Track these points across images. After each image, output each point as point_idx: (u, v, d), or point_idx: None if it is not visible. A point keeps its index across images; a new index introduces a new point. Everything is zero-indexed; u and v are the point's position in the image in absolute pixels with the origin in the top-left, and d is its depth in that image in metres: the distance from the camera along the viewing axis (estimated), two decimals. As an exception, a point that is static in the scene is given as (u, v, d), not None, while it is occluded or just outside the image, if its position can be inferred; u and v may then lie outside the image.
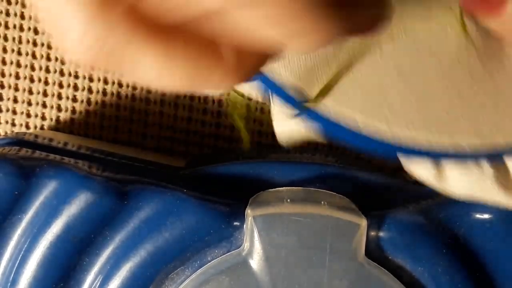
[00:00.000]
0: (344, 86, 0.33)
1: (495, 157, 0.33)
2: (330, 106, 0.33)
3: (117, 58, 0.22)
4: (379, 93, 0.33)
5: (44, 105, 0.46)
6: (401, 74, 0.33)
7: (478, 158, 0.33)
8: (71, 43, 0.22)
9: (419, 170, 0.35)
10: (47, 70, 0.46)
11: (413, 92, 0.33)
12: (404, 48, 0.33)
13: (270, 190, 0.37)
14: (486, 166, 0.34)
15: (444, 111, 0.33)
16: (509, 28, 0.30)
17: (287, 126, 0.35)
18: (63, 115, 0.46)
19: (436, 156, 0.33)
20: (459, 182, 0.35)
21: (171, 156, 0.41)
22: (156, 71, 0.23)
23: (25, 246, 0.35)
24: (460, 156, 0.33)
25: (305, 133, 0.35)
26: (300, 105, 0.33)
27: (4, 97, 0.46)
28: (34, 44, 0.45)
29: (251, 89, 0.36)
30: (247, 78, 0.24)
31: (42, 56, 0.45)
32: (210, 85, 0.23)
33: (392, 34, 0.33)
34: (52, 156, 0.37)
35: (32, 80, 0.46)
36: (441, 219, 0.36)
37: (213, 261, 0.35)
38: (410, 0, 0.33)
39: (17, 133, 0.44)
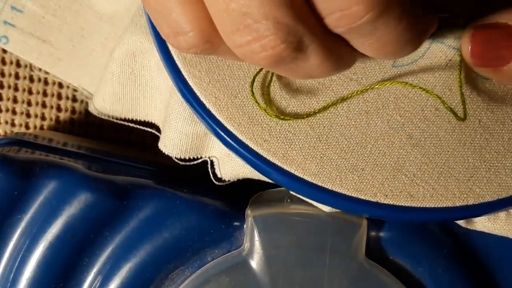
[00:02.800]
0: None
1: None
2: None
3: (292, 58, 0.28)
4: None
5: (43, 105, 0.46)
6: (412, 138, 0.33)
7: (506, 208, 0.33)
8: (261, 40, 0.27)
9: None
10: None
11: (425, 155, 0.32)
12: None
13: (270, 190, 0.37)
14: None
15: (462, 166, 0.33)
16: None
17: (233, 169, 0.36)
18: (63, 115, 0.46)
19: (465, 216, 0.33)
20: (489, 227, 0.35)
21: (171, 156, 0.41)
22: (316, 66, 0.28)
23: (25, 246, 0.35)
24: (488, 211, 0.33)
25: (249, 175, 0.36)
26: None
27: (4, 97, 0.46)
28: (34, 44, 0.45)
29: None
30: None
31: (41, 56, 0.45)
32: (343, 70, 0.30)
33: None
34: (51, 156, 0.37)
35: (31, 80, 0.45)
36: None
37: (213, 261, 0.35)
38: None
39: (16, 133, 0.44)
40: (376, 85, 0.32)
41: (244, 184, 0.37)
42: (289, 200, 0.35)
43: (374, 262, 0.35)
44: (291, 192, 0.35)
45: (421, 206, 0.32)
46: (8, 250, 0.35)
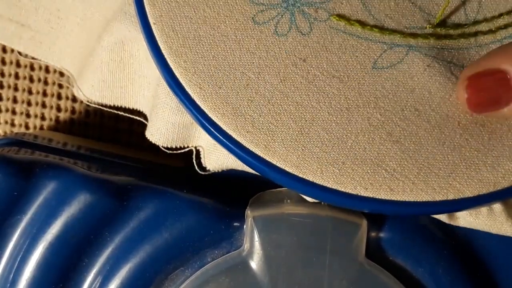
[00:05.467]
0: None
1: (504, 198, 0.33)
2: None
3: None
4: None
5: (43, 105, 0.46)
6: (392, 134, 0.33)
7: (487, 204, 0.33)
8: None
9: None
10: (47, 70, 0.46)
11: (405, 152, 0.33)
12: None
13: (270, 190, 0.37)
14: (497, 207, 0.34)
15: (441, 162, 0.33)
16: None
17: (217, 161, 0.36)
18: (63, 115, 0.46)
19: (444, 211, 0.33)
20: (472, 224, 0.35)
21: (171, 156, 0.41)
22: None
23: (25, 246, 0.35)
24: (468, 206, 0.33)
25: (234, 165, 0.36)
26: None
27: (4, 97, 0.46)
28: (34, 44, 0.45)
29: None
30: None
31: (41, 56, 0.45)
32: None
33: None
34: (51, 156, 0.37)
35: (31, 80, 0.45)
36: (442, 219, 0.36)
37: (213, 262, 0.35)
38: None
39: (16, 133, 0.44)
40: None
41: (244, 184, 0.37)
42: (289, 201, 0.35)
43: (374, 262, 0.35)
44: (291, 193, 0.35)
45: (401, 200, 0.33)
46: (8, 250, 0.35)
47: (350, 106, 0.33)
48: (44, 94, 0.46)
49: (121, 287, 0.35)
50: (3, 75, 0.46)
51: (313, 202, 0.35)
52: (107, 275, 0.35)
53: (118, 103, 0.40)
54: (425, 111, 0.34)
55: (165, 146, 0.36)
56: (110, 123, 0.45)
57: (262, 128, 0.33)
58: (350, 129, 0.33)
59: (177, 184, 0.37)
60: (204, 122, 0.33)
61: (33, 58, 0.44)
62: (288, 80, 0.34)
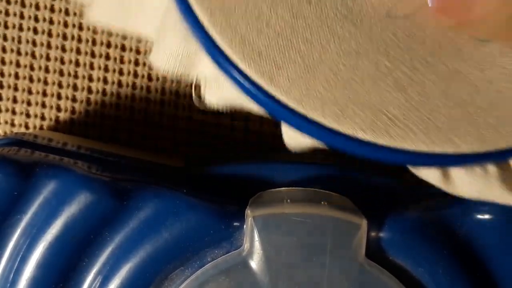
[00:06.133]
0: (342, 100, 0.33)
1: (499, 160, 0.33)
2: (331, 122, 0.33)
3: None
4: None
5: (43, 105, 0.46)
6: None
7: (483, 163, 0.33)
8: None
9: (425, 173, 0.35)
10: (47, 70, 0.46)
11: (409, 101, 0.33)
12: None
13: (270, 190, 0.37)
14: (492, 169, 0.34)
15: (444, 116, 0.33)
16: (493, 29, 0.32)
17: (296, 137, 0.36)
18: (63, 115, 0.46)
19: (441, 163, 0.33)
20: (467, 186, 0.34)
21: (171, 156, 0.41)
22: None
23: (25, 246, 0.35)
24: (464, 162, 0.33)
25: (314, 143, 0.35)
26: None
27: (4, 97, 0.46)
28: (34, 44, 0.45)
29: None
30: None
31: (41, 56, 0.45)
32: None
33: None
34: (51, 156, 0.37)
35: (31, 80, 0.45)
36: (442, 219, 0.36)
37: (213, 262, 0.35)
38: None
39: (16, 133, 0.44)
40: None
41: (244, 184, 0.37)
42: (289, 200, 0.35)
43: (374, 262, 0.35)
44: (291, 193, 0.35)
45: (399, 147, 0.32)
46: (8, 250, 0.35)
47: (359, 50, 0.33)
48: (44, 94, 0.46)
49: (121, 286, 0.35)
50: (3, 75, 0.46)
51: (314, 202, 0.35)
52: (107, 275, 0.35)
53: (123, 25, 0.38)
54: (434, 63, 0.33)
55: (167, 71, 0.35)
56: (110, 123, 0.45)
57: (269, 60, 0.32)
58: (357, 72, 0.33)
59: (177, 184, 0.37)
60: (211, 48, 0.32)
61: None
62: (300, 17, 0.33)
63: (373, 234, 0.35)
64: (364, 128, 0.32)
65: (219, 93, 0.36)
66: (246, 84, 0.33)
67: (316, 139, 0.34)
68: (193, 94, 0.36)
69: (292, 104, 0.32)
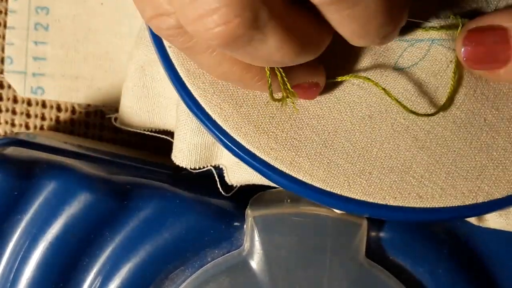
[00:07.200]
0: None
1: None
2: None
3: (248, 36, 0.26)
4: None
5: (43, 105, 0.46)
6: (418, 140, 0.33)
7: None
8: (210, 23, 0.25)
9: None
10: (47, 70, 0.46)
11: (432, 156, 0.33)
12: None
13: (270, 190, 0.37)
14: None
15: (469, 163, 0.33)
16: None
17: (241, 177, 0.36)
18: (63, 115, 0.46)
19: (475, 214, 0.33)
20: (501, 223, 0.35)
21: (171, 156, 0.41)
22: (276, 48, 0.27)
23: (25, 246, 0.35)
24: (499, 207, 0.33)
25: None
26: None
27: (4, 97, 0.46)
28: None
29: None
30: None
31: (41, 56, 0.45)
32: (309, 57, 0.29)
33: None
34: (51, 156, 0.37)
35: (31, 80, 0.45)
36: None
37: (213, 262, 0.35)
38: None
39: (16, 133, 0.44)
40: (338, 78, 0.33)
41: (244, 184, 0.37)
42: (289, 200, 0.35)
43: (374, 262, 0.35)
44: (291, 193, 0.35)
45: (431, 206, 0.32)
46: (8, 250, 0.35)
47: (372, 113, 0.33)
48: (44, 94, 0.46)
49: (121, 286, 0.35)
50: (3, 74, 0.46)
51: (313, 202, 0.35)
52: (107, 275, 0.35)
53: (148, 125, 0.40)
54: (450, 110, 0.33)
55: (189, 167, 0.36)
56: (110, 123, 0.45)
57: (286, 144, 0.33)
58: (374, 137, 0.33)
59: (177, 184, 0.37)
60: (227, 142, 0.33)
61: (96, 106, 0.44)
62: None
63: (373, 234, 0.35)
64: (393, 194, 0.32)
65: (242, 177, 0.36)
66: (268, 171, 0.33)
67: (346, 212, 0.34)
68: (218, 185, 0.36)
69: (317, 184, 0.32)
